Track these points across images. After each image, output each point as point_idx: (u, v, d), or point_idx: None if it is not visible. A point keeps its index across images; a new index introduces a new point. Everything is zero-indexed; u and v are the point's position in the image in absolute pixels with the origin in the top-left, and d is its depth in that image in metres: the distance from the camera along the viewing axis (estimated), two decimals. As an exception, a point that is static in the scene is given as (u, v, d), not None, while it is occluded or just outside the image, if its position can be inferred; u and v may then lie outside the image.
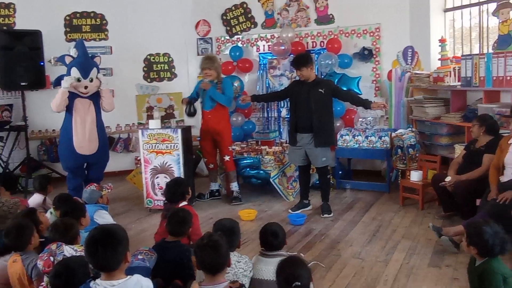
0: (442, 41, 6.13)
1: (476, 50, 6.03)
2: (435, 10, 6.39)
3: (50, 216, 3.91)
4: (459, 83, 5.59)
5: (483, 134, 4.62)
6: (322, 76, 6.48)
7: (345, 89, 6.14)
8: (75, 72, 5.34)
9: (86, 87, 5.38)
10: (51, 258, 2.73)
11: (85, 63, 5.48)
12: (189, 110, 5.77)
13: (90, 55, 5.69)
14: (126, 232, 2.26)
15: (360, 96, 5.82)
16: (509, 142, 4.21)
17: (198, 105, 5.99)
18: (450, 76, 5.78)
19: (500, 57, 4.90)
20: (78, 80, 5.32)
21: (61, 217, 3.64)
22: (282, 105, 7.41)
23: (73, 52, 5.53)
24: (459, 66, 5.59)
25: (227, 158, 5.86)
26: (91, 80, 5.43)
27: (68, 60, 5.42)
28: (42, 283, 2.77)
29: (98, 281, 2.12)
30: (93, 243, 2.13)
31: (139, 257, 2.92)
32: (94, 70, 5.52)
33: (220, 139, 5.84)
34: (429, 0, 6.32)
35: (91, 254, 2.13)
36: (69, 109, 5.44)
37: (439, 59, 6.20)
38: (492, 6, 5.48)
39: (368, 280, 3.58)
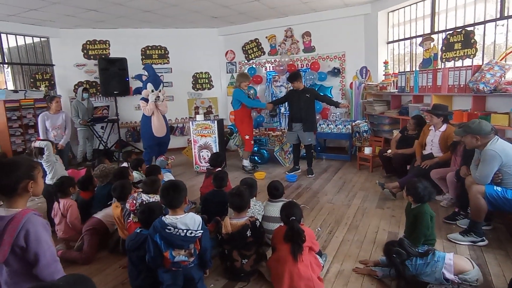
0: (386, 63, 6.04)
1: (407, 68, 5.92)
2: (381, 42, 6.27)
3: (136, 175, 3.96)
4: (397, 90, 5.54)
5: (415, 128, 4.58)
6: (308, 86, 6.42)
7: (322, 94, 6.09)
8: (150, 86, 5.36)
9: (158, 96, 5.39)
10: (134, 202, 2.82)
11: (156, 80, 5.49)
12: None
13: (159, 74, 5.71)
14: (185, 185, 2.30)
15: (332, 98, 5.78)
16: (429, 129, 4.19)
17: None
18: (391, 85, 5.72)
19: (424, 73, 4.84)
20: (152, 91, 5.35)
21: (146, 175, 3.70)
22: (281, 105, 7.34)
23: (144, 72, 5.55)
24: (397, 79, 5.53)
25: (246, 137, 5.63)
26: (160, 90, 5.45)
27: (144, 78, 5.45)
28: (129, 220, 2.85)
29: (167, 216, 2.17)
30: (166, 189, 2.19)
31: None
32: (161, 84, 5.54)
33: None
34: (377, 36, 6.20)
35: (165, 196, 2.18)
36: (147, 110, 5.51)
37: (383, 75, 6.09)
38: (419, 39, 5.38)
39: (337, 217, 3.62)
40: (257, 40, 7.62)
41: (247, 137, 5.53)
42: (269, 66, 7.55)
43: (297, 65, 7.13)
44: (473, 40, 4.44)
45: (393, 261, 2.25)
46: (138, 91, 5.56)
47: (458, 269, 2.16)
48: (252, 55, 7.74)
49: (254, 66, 7.69)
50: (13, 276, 1.62)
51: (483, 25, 4.48)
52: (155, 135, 5.47)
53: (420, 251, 2.30)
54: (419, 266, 2.22)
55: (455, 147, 3.71)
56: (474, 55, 4.46)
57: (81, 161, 6.72)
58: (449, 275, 2.15)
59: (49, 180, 3.85)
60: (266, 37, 7.49)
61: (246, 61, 7.84)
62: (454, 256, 2.24)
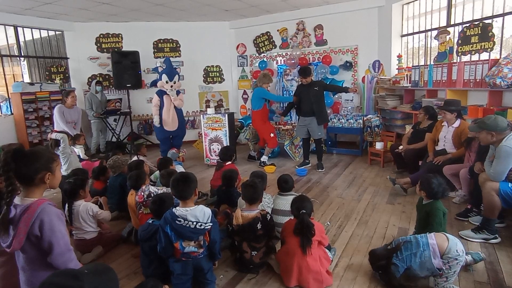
0: (399, 56, 5.92)
1: (422, 62, 5.81)
2: (395, 35, 6.15)
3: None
4: (410, 85, 5.44)
5: (426, 120, 4.52)
6: (320, 80, 6.36)
7: (329, 82, 6.04)
8: (164, 77, 5.42)
9: (171, 86, 5.44)
10: (142, 193, 2.87)
11: (171, 71, 5.53)
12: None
13: (174, 67, 5.83)
14: (196, 177, 2.32)
15: (340, 86, 5.80)
16: (442, 124, 4.12)
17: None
18: (404, 80, 5.62)
19: (439, 67, 4.74)
20: (166, 82, 5.40)
21: (158, 167, 3.77)
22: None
23: (160, 64, 5.60)
24: (410, 73, 5.43)
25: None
26: (174, 82, 5.49)
27: (160, 69, 5.54)
28: (140, 211, 2.91)
29: (177, 207, 2.20)
30: (177, 181, 2.21)
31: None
32: (176, 76, 5.57)
33: None
34: (391, 29, 6.08)
35: (175, 187, 2.20)
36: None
37: (396, 69, 5.98)
38: (434, 32, 5.27)
39: (347, 211, 3.61)
40: (268, 33, 7.57)
41: (272, 135, 5.60)
42: (280, 60, 7.51)
43: (309, 58, 7.07)
44: (490, 33, 4.31)
45: (383, 278, 2.27)
46: (154, 83, 5.67)
47: (441, 250, 2.14)
48: (263, 48, 7.70)
49: (265, 59, 7.65)
50: (29, 262, 1.68)
51: (501, 18, 4.35)
52: (165, 129, 5.52)
53: (390, 246, 2.32)
54: (407, 258, 2.18)
55: (469, 143, 3.63)
56: (492, 49, 4.34)
57: (95, 153, 6.84)
58: (438, 262, 2.12)
59: (63, 171, 3.95)
60: (278, 30, 7.43)
61: (257, 55, 7.81)
62: (435, 237, 2.21)
